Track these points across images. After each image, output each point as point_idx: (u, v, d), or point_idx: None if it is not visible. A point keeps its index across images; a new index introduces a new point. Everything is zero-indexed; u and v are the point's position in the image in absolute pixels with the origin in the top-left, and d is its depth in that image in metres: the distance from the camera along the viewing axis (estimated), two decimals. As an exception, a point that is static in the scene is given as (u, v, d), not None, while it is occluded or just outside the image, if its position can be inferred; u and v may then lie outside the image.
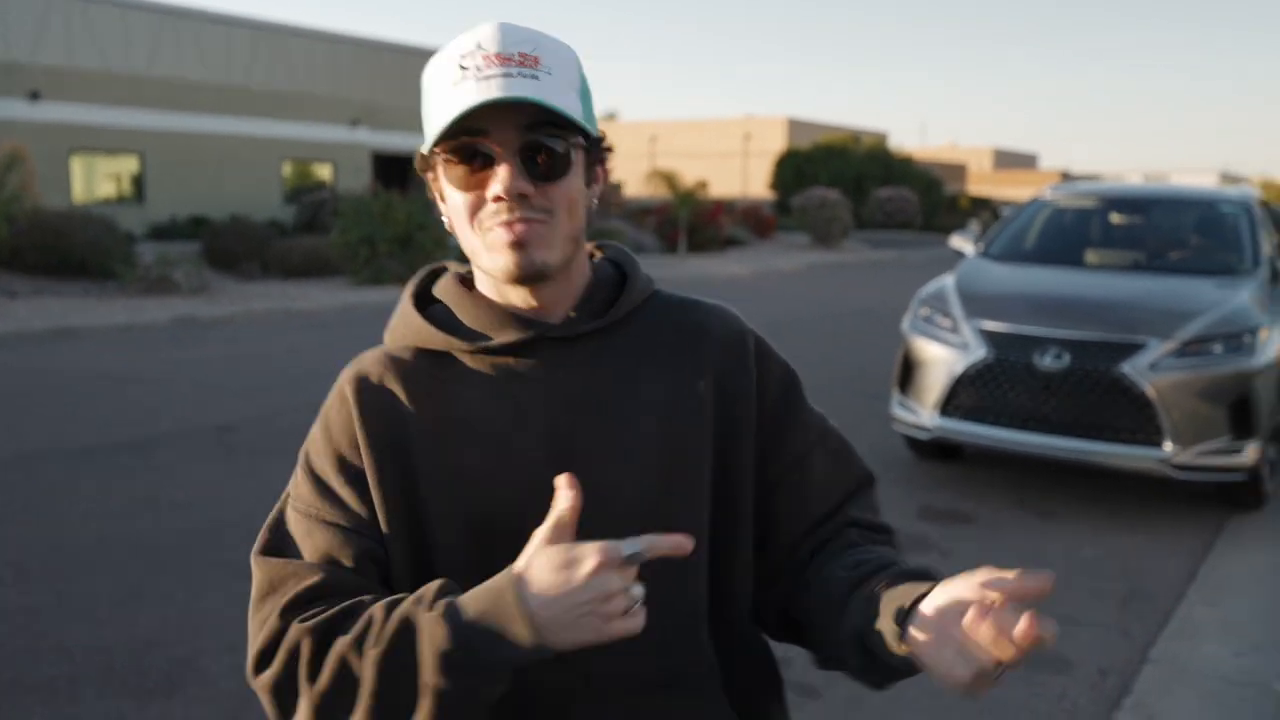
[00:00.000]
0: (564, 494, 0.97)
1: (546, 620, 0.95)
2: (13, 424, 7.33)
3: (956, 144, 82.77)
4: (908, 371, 6.23)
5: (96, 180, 24.32)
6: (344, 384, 1.18)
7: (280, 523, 1.16)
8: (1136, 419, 5.44)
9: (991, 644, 0.90)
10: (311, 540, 1.12)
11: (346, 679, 1.02)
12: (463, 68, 1.06)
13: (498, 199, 1.07)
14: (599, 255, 1.27)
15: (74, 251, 16.10)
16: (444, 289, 1.22)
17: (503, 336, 1.15)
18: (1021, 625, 0.87)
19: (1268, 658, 4.01)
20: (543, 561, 0.96)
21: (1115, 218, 7.45)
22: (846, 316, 14.27)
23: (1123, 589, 4.69)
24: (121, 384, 8.93)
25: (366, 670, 1.01)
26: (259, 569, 1.14)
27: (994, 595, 0.92)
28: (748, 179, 57.20)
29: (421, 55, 38.57)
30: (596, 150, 1.15)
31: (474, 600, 1.00)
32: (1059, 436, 5.58)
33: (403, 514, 1.13)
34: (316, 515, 1.13)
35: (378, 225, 17.17)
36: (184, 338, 11.85)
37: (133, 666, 3.71)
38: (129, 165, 24.68)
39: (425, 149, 1.12)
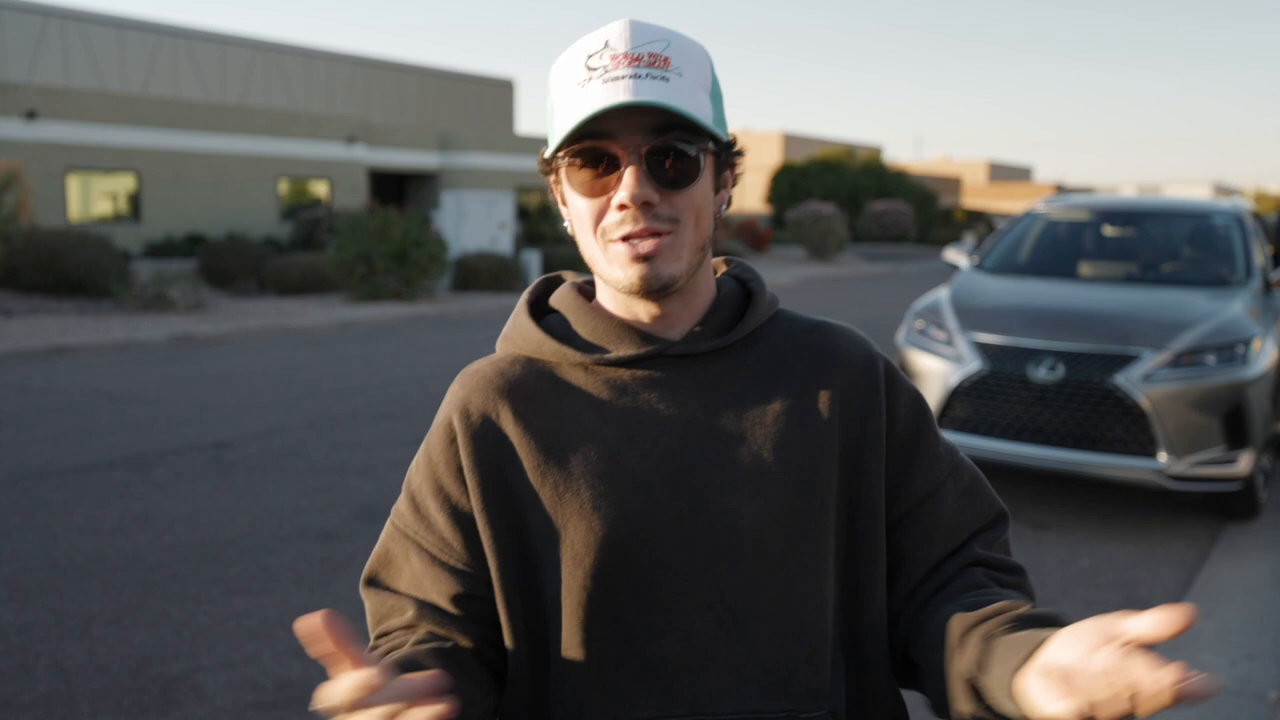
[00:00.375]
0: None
1: None
2: (9, 442, 7.33)
3: (951, 157, 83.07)
4: (903, 384, 6.25)
5: (93, 199, 24.34)
6: (450, 411, 1.14)
7: (383, 545, 1.17)
8: (1131, 430, 5.45)
9: (1109, 689, 0.80)
10: (409, 565, 1.14)
11: None
12: (590, 68, 1.02)
13: (622, 206, 1.03)
14: (723, 270, 1.22)
15: (70, 270, 16.11)
16: (561, 298, 1.17)
17: (620, 350, 1.10)
18: (1161, 675, 0.76)
19: (1263, 667, 4.02)
20: None
21: (1108, 230, 7.49)
22: (842, 330, 14.30)
23: (1118, 599, 4.69)
24: (118, 402, 8.93)
25: None
26: (366, 601, 1.17)
27: (1122, 634, 0.81)
28: (743, 193, 57.37)
29: (417, 73, 38.76)
30: (727, 154, 1.10)
31: None
32: (1054, 448, 5.60)
33: (511, 539, 1.10)
34: (414, 538, 1.14)
35: (374, 242, 17.19)
36: (180, 355, 11.85)
37: (128, 684, 3.70)
38: (125, 184, 24.72)
39: (549, 152, 1.07)
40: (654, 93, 1.00)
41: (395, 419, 8.19)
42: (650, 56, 1.02)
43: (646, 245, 1.03)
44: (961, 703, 1.01)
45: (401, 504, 1.17)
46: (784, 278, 24.70)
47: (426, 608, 1.12)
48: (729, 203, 1.15)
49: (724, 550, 1.07)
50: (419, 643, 1.08)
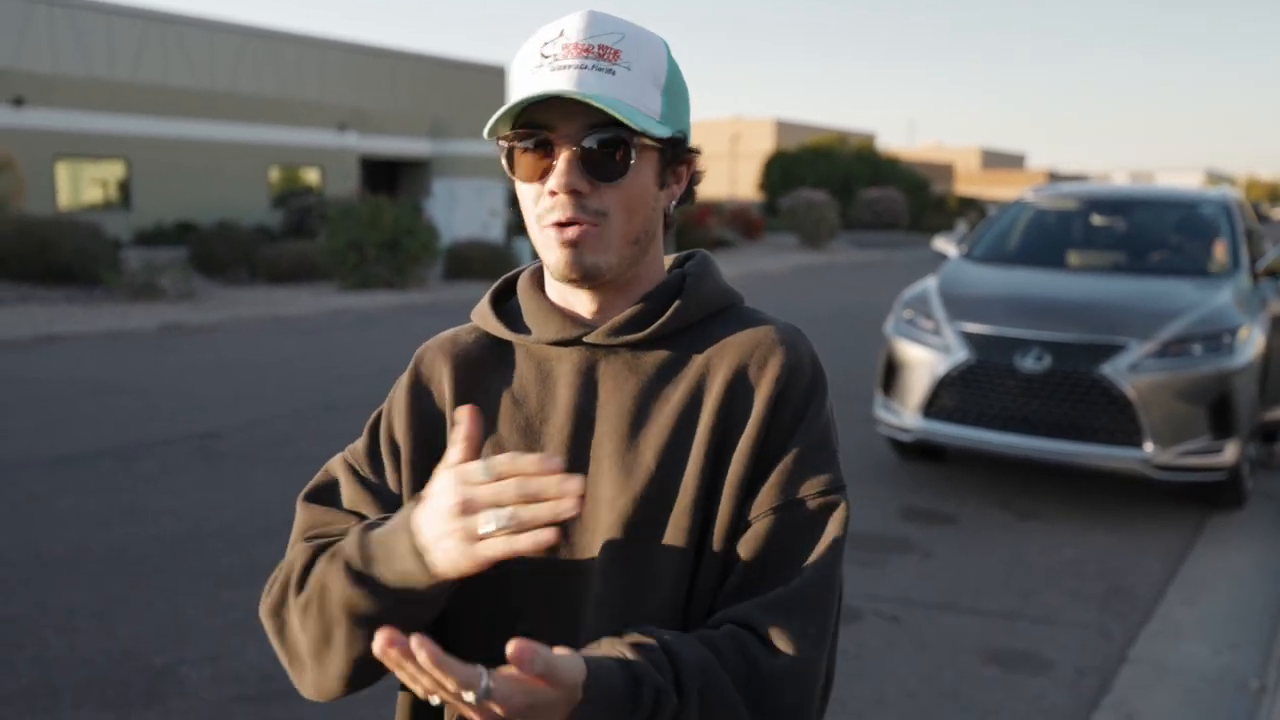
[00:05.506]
0: (463, 418, 0.96)
1: (422, 535, 0.96)
2: (-5, 433, 7.30)
3: (943, 144, 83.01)
4: (891, 373, 6.26)
5: (82, 186, 24.24)
6: (413, 362, 1.23)
7: (326, 471, 1.23)
8: (1117, 420, 5.46)
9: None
10: (349, 489, 1.20)
11: (320, 590, 1.06)
12: (544, 55, 1.06)
13: (552, 193, 1.06)
14: (686, 263, 1.23)
15: (59, 258, 16.05)
16: (522, 278, 1.23)
17: (544, 333, 1.15)
18: None
19: (1245, 656, 4.04)
20: (435, 483, 0.97)
21: (1096, 219, 7.49)
22: (832, 318, 14.29)
23: (1103, 589, 4.71)
24: (105, 392, 8.90)
25: (330, 581, 1.04)
26: (301, 512, 1.20)
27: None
28: (736, 180, 57.30)
29: (408, 60, 38.58)
30: (674, 151, 1.11)
31: (387, 522, 1.03)
32: (1040, 438, 5.61)
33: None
34: (358, 468, 1.20)
35: (365, 230, 17.14)
36: (170, 345, 11.81)
37: (112, 677, 3.70)
38: (115, 171, 24.61)
39: (486, 129, 1.10)
40: (596, 86, 1.03)
41: (384, 409, 8.17)
42: (601, 48, 1.05)
43: (571, 232, 1.07)
44: None
45: (358, 443, 1.23)
46: (776, 265, 24.69)
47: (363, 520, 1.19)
48: (690, 198, 1.18)
49: (599, 543, 1.11)
50: None
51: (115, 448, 6.90)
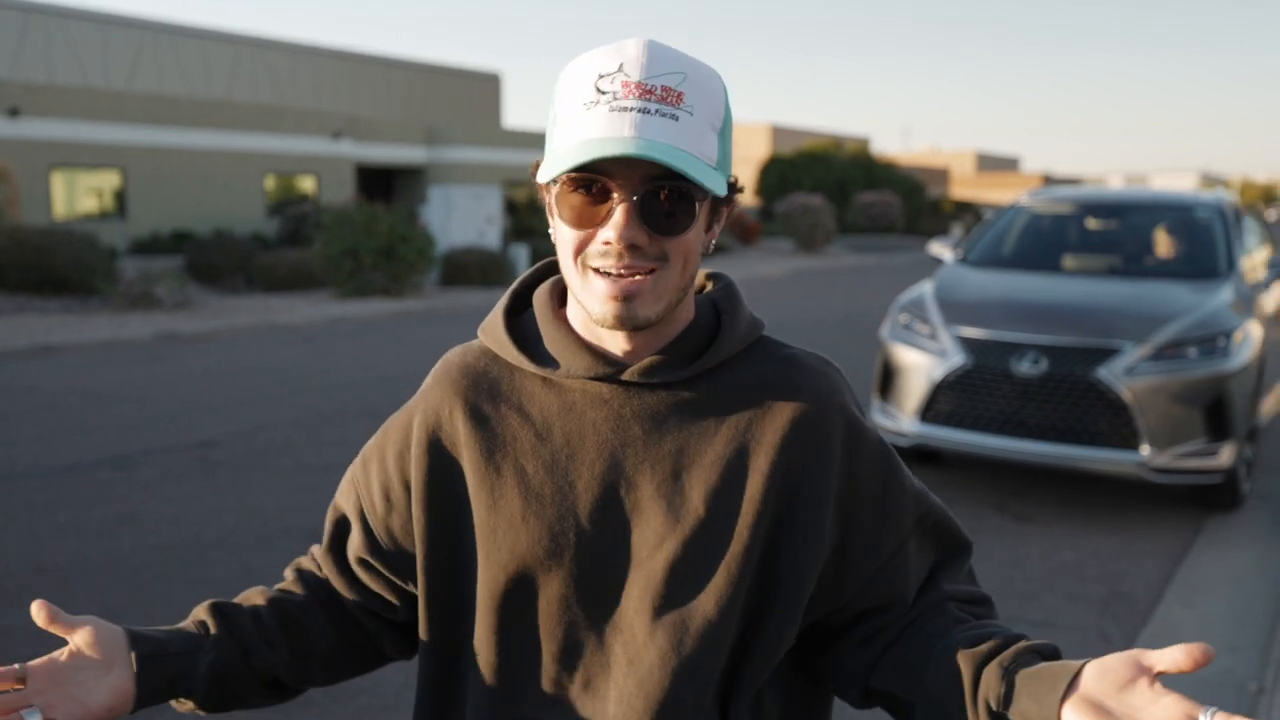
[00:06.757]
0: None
1: None
2: (-7, 443, 7.29)
3: (938, 148, 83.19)
4: (887, 378, 6.27)
5: (78, 196, 24.20)
6: (415, 408, 1.19)
7: (348, 475, 1.27)
8: (1113, 423, 5.48)
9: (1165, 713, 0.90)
10: (349, 502, 1.25)
11: None
12: (600, 90, 0.99)
13: (608, 243, 1.01)
14: (709, 287, 1.19)
15: (55, 268, 16.02)
16: (537, 299, 1.16)
17: (573, 368, 1.10)
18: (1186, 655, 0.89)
19: (1244, 658, 4.05)
20: None
21: (1092, 223, 7.51)
22: (829, 323, 14.31)
23: (1101, 592, 4.72)
24: (103, 401, 8.89)
25: None
26: (328, 516, 1.29)
27: (1149, 668, 0.92)
28: (732, 186, 57.24)
29: (403, 67, 38.61)
30: (728, 194, 1.08)
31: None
32: (1037, 441, 5.62)
33: (446, 535, 1.15)
34: (357, 485, 1.23)
35: (361, 237, 17.13)
36: (166, 353, 11.81)
37: (112, 687, 3.69)
38: (110, 180, 24.58)
39: (542, 174, 1.04)
40: (660, 133, 0.98)
41: (382, 417, 8.16)
42: (663, 90, 0.99)
43: (627, 285, 1.02)
44: None
45: (367, 447, 1.24)
46: (772, 270, 24.71)
47: (335, 553, 1.24)
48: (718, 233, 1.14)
49: (634, 583, 1.07)
50: (290, 589, 1.25)
51: (113, 457, 6.89)
